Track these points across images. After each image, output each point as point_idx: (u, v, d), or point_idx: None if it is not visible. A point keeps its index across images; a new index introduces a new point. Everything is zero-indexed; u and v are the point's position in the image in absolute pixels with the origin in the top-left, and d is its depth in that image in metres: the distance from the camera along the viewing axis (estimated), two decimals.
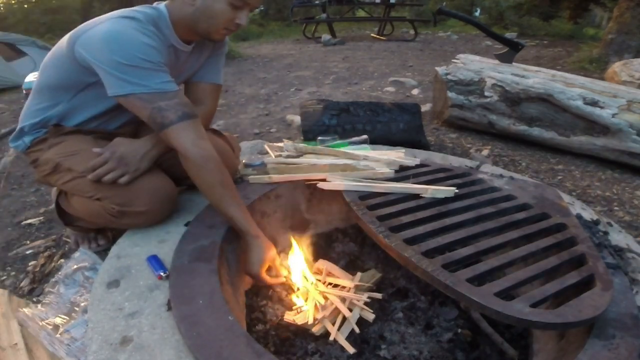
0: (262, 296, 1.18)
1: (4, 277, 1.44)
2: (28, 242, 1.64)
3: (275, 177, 1.29)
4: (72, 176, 1.11)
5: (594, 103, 2.22)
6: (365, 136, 1.78)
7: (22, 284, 1.39)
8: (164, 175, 1.14)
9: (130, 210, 1.05)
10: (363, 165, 1.28)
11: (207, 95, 1.32)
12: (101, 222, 1.15)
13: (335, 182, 1.18)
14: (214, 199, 1.03)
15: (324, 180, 1.23)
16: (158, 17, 1.07)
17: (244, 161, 1.44)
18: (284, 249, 1.34)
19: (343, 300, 1.07)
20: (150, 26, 1.03)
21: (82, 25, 1.05)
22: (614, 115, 2.14)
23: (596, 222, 1.18)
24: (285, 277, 1.11)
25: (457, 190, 1.12)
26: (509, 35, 6.92)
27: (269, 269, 1.06)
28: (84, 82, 1.09)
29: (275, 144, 1.82)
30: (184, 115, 1.00)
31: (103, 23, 1.00)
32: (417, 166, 1.34)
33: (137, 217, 1.07)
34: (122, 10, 1.05)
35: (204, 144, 1.02)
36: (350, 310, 1.07)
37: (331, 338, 0.98)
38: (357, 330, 1.01)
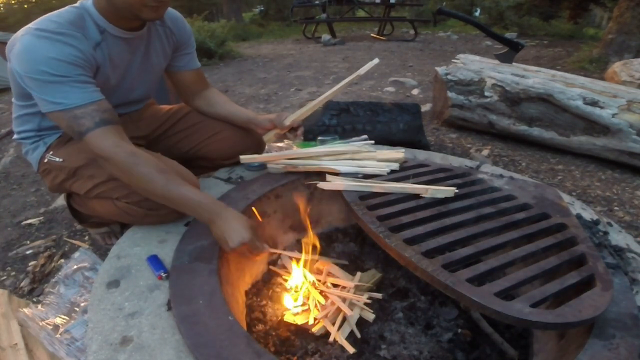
0: (262, 296, 1.18)
1: (4, 277, 1.44)
2: (28, 242, 1.64)
3: (291, 168, 1.32)
4: (94, 183, 1.13)
5: (594, 103, 2.22)
6: (365, 136, 1.77)
7: (22, 284, 1.39)
8: (188, 171, 1.15)
9: (158, 213, 1.08)
10: (366, 150, 1.31)
11: (200, 79, 1.40)
12: (124, 221, 1.17)
13: (336, 182, 1.17)
14: (159, 187, 0.97)
15: (336, 173, 1.24)
16: (80, 14, 1.02)
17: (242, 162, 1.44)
18: (285, 249, 1.35)
19: (343, 300, 1.07)
20: (64, 30, 0.96)
21: (13, 36, 1.00)
22: (614, 115, 2.14)
23: (596, 222, 1.18)
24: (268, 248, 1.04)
25: (457, 190, 1.12)
26: (509, 35, 6.93)
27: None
28: None
29: (275, 144, 1.82)
30: (101, 122, 0.97)
31: (22, 37, 0.95)
32: (417, 166, 1.34)
33: (162, 216, 1.09)
34: (42, 17, 0.99)
35: (126, 145, 0.98)
36: (351, 310, 1.07)
37: (331, 338, 0.98)
38: (358, 334, 1.01)
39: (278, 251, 1.13)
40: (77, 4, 1.05)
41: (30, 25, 0.98)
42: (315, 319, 1.04)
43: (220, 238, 0.96)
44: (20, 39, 0.95)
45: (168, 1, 1.03)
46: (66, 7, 1.02)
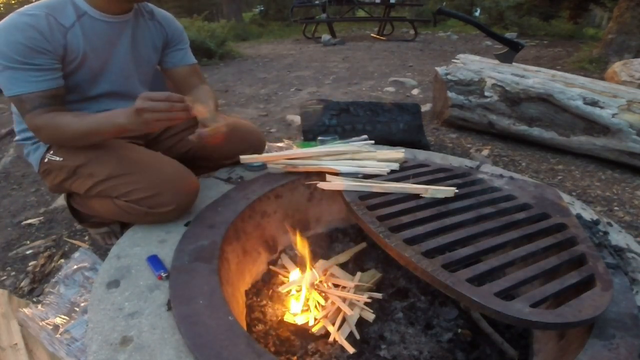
0: (262, 296, 1.18)
1: (4, 277, 1.44)
2: (28, 242, 1.64)
3: (291, 168, 1.32)
4: (94, 181, 1.13)
5: (594, 103, 2.22)
6: (365, 136, 1.77)
7: (22, 284, 1.39)
8: (186, 169, 1.16)
9: (158, 211, 1.08)
10: (366, 150, 1.30)
11: (195, 74, 1.40)
12: (124, 220, 1.17)
13: (336, 182, 1.18)
14: (80, 126, 1.04)
15: (336, 173, 1.24)
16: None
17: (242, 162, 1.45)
18: (285, 249, 1.35)
19: (343, 300, 1.07)
20: (37, 12, 1.01)
21: None
22: (614, 115, 2.14)
23: (596, 222, 1.18)
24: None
25: (457, 191, 1.12)
26: (509, 35, 6.93)
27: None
28: None
29: (275, 144, 1.82)
30: (40, 105, 1.04)
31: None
32: (417, 166, 1.34)
33: (163, 215, 1.09)
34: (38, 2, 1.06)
35: (45, 117, 1.05)
36: (351, 310, 1.07)
37: (331, 338, 0.98)
38: (357, 335, 1.01)
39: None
40: None
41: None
42: (315, 319, 1.04)
43: (134, 123, 0.96)
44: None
45: None
46: None
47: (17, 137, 1.25)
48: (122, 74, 1.23)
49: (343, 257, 1.29)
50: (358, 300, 1.07)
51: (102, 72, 1.17)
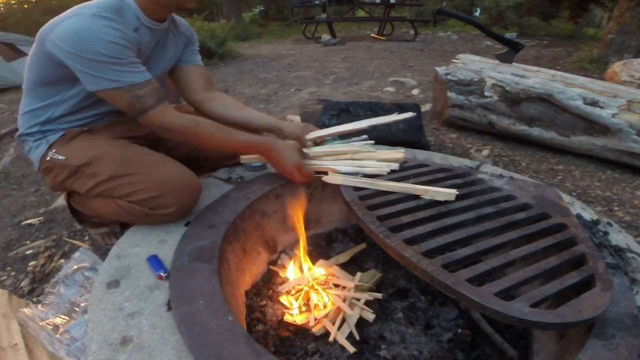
0: (262, 296, 1.18)
1: (4, 277, 1.45)
2: (28, 242, 1.64)
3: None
4: (95, 181, 1.13)
5: (594, 103, 2.22)
6: (365, 136, 1.77)
7: (22, 284, 1.39)
8: (189, 171, 1.16)
9: (160, 212, 1.08)
10: (366, 150, 1.32)
11: (201, 76, 1.43)
12: (125, 220, 1.17)
13: (339, 177, 1.18)
14: (223, 141, 1.16)
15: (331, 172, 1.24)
16: (119, 3, 1.08)
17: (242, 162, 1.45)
18: (285, 249, 1.35)
19: (343, 300, 1.07)
20: (111, 15, 1.04)
21: (51, 21, 1.06)
22: (614, 115, 2.14)
23: (596, 222, 1.18)
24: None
25: (457, 192, 1.11)
26: (509, 35, 6.93)
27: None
28: (67, 77, 1.10)
29: None
30: (159, 99, 1.09)
31: (68, 19, 1.02)
32: (417, 166, 1.34)
33: (165, 216, 1.09)
34: (86, 3, 1.06)
35: (184, 115, 1.13)
36: (351, 310, 1.07)
37: (331, 338, 0.98)
38: (357, 336, 1.01)
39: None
40: None
41: (73, 9, 1.04)
42: (315, 318, 1.04)
43: (278, 165, 1.20)
44: (68, 20, 1.01)
45: None
46: None
47: (19, 132, 1.24)
48: None
49: (343, 258, 1.29)
50: (358, 300, 1.07)
51: None
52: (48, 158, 1.19)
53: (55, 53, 1.02)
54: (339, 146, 1.36)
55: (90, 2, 1.06)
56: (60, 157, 1.16)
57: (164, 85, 1.41)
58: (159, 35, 1.22)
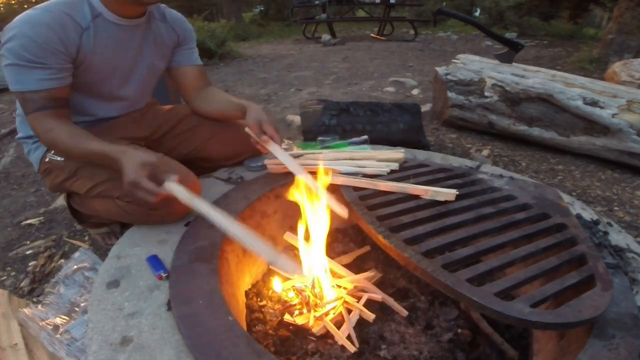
0: (262, 296, 1.18)
1: (4, 277, 1.45)
2: (28, 242, 1.64)
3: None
4: (94, 182, 1.13)
5: (594, 103, 2.22)
6: (365, 136, 1.78)
7: (22, 284, 1.39)
8: (189, 171, 1.16)
9: (160, 212, 1.07)
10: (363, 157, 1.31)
11: (202, 75, 1.40)
12: (125, 221, 1.17)
13: (340, 177, 1.18)
14: (74, 149, 1.05)
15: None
16: None
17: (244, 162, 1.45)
18: (285, 249, 1.35)
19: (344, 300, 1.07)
20: (56, 10, 1.01)
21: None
22: (614, 115, 2.14)
23: (596, 222, 1.18)
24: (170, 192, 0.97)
25: (457, 192, 1.11)
26: (509, 35, 6.94)
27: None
28: None
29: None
30: (42, 107, 1.03)
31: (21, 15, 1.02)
32: (417, 166, 1.34)
33: (163, 216, 1.09)
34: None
35: (49, 123, 1.04)
36: (350, 310, 1.07)
37: (340, 334, 0.98)
38: (354, 337, 1.00)
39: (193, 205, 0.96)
40: None
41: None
42: (315, 318, 1.04)
43: (122, 173, 0.96)
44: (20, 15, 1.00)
45: None
46: None
47: (18, 135, 1.25)
48: (125, 78, 1.23)
49: (346, 259, 1.29)
50: (357, 301, 1.07)
51: (106, 75, 1.16)
52: (47, 159, 1.19)
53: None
54: (345, 152, 1.36)
55: None
56: (58, 159, 1.16)
57: (162, 86, 1.41)
58: (132, 33, 1.16)
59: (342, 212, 1.05)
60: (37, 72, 1.00)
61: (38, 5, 1.01)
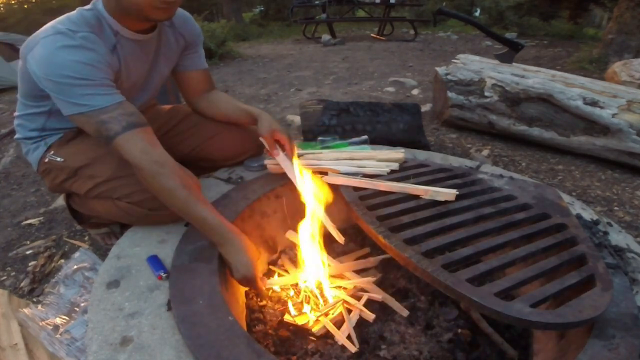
0: (262, 296, 1.18)
1: (4, 277, 1.45)
2: (28, 242, 1.64)
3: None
4: (94, 183, 1.13)
5: (594, 103, 2.22)
6: (365, 136, 1.77)
7: (22, 284, 1.39)
8: (189, 172, 1.14)
9: (159, 213, 1.07)
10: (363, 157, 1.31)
11: (207, 79, 1.38)
12: (125, 221, 1.17)
13: (340, 177, 1.18)
14: (180, 203, 0.97)
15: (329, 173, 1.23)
16: (97, 17, 1.02)
17: (244, 162, 1.45)
18: (285, 249, 1.35)
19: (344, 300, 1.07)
20: (86, 33, 0.97)
21: (30, 37, 1.00)
22: (614, 115, 2.14)
23: (596, 222, 1.18)
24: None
25: (457, 192, 1.11)
26: (509, 35, 6.93)
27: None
28: None
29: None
30: (129, 125, 0.96)
31: (42, 40, 0.95)
32: (417, 166, 1.34)
33: (164, 217, 1.09)
34: (59, 19, 0.99)
35: (154, 150, 0.98)
36: (350, 310, 1.07)
37: (340, 334, 0.98)
38: (354, 337, 1.00)
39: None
40: (90, 6, 1.03)
41: (50, 24, 0.98)
42: (315, 316, 1.04)
43: (227, 263, 0.97)
44: (41, 41, 0.94)
45: (179, 1, 1.01)
46: (81, 9, 1.01)
47: (17, 135, 1.25)
48: (139, 89, 1.23)
49: (346, 260, 1.29)
50: (358, 301, 1.07)
51: (125, 90, 1.13)
52: (47, 160, 1.19)
53: (32, 75, 0.97)
54: (336, 151, 1.36)
55: (69, 15, 1.00)
56: (58, 159, 1.16)
57: (162, 86, 1.40)
58: (148, 47, 1.15)
59: (339, 238, 1.05)
60: (100, 89, 0.96)
61: (57, 28, 0.95)
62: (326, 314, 1.04)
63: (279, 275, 1.23)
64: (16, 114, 1.21)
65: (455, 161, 1.55)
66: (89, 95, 0.94)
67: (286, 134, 1.26)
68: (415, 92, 3.85)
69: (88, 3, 1.05)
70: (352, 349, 0.95)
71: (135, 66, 1.13)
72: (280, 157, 1.25)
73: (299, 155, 1.35)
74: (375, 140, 1.86)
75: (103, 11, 1.02)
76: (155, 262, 0.94)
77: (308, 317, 1.04)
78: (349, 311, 1.07)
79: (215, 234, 0.96)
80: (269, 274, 1.27)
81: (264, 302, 1.14)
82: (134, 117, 0.98)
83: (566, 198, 1.29)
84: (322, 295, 1.10)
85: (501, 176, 1.32)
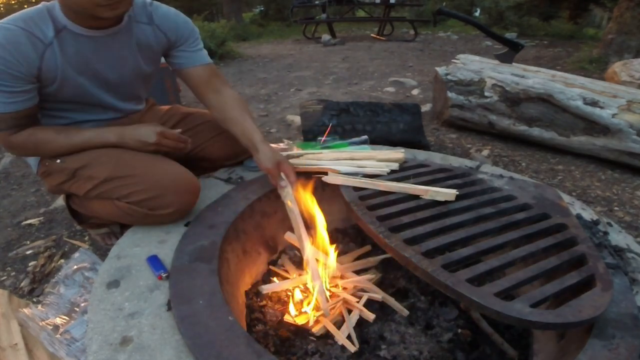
0: (262, 296, 1.18)
1: (4, 277, 1.45)
2: (28, 242, 1.64)
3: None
4: (93, 183, 1.12)
5: (594, 103, 2.22)
6: (365, 136, 1.77)
7: (22, 284, 1.39)
8: (188, 171, 1.15)
9: (159, 213, 1.07)
10: (363, 157, 1.30)
11: (211, 75, 1.31)
12: (124, 222, 1.17)
13: (339, 177, 1.18)
14: (62, 141, 1.11)
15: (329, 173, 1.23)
16: (42, 12, 1.01)
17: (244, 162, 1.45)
18: (285, 249, 1.35)
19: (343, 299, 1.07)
20: (17, 29, 0.96)
21: None
22: (614, 116, 2.15)
23: (596, 222, 1.18)
24: None
25: (457, 192, 1.11)
26: (509, 35, 6.93)
27: None
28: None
29: (275, 144, 1.82)
30: (13, 126, 1.06)
31: None
32: (417, 166, 1.34)
33: (164, 217, 1.09)
34: (16, 13, 1.01)
35: (23, 131, 1.09)
36: (350, 310, 1.07)
37: (340, 334, 0.98)
38: (355, 342, 1.00)
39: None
40: (48, 2, 1.04)
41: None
42: (315, 316, 1.04)
43: (137, 143, 1.13)
44: None
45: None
46: (38, 6, 1.03)
47: None
48: (110, 87, 1.19)
49: (346, 259, 1.29)
50: (358, 301, 1.07)
51: (89, 87, 1.13)
52: (46, 162, 1.19)
53: None
54: (345, 152, 1.36)
55: (21, 11, 1.01)
56: (57, 161, 1.16)
57: (162, 86, 1.40)
58: (104, 43, 1.10)
59: (325, 306, 1.03)
60: (4, 96, 1.00)
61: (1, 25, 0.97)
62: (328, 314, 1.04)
63: (278, 278, 1.23)
64: None
65: (455, 161, 1.55)
66: None
67: (289, 164, 1.20)
68: (415, 92, 3.85)
69: None
70: (352, 349, 0.95)
71: (90, 62, 1.09)
72: (287, 198, 1.16)
73: (299, 156, 1.35)
74: (375, 141, 1.86)
75: (56, 5, 1.02)
76: (155, 262, 0.94)
77: (308, 317, 1.04)
78: (349, 311, 1.08)
79: (110, 134, 1.14)
80: (269, 274, 1.27)
81: (263, 302, 1.14)
82: (22, 121, 1.07)
83: (566, 198, 1.29)
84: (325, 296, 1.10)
85: (501, 176, 1.32)
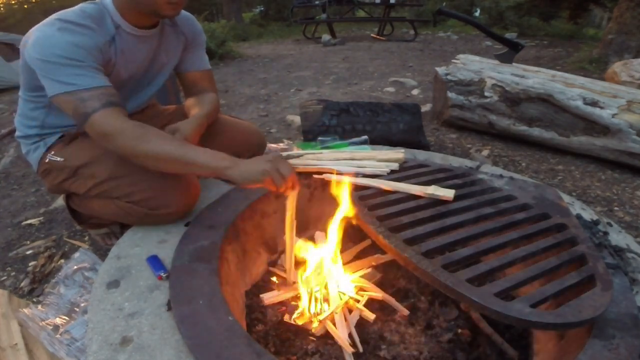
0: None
1: (4, 278, 1.45)
2: (28, 242, 1.64)
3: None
4: (94, 182, 1.13)
5: (594, 103, 2.22)
6: (365, 136, 1.78)
7: (22, 284, 1.39)
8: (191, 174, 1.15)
9: (159, 213, 1.07)
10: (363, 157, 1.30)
11: (204, 80, 1.36)
12: (124, 221, 1.17)
13: (341, 177, 1.18)
14: (173, 150, 0.96)
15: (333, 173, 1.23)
16: (100, 10, 1.05)
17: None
18: (285, 249, 1.35)
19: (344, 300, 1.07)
20: (85, 22, 0.99)
21: (32, 28, 1.02)
22: (614, 116, 2.14)
23: (596, 222, 1.18)
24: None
25: (456, 192, 1.11)
26: (509, 35, 6.93)
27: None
28: None
29: (275, 144, 1.82)
30: (108, 103, 0.97)
31: (38, 28, 0.99)
32: (417, 166, 1.34)
33: (164, 217, 1.09)
34: (60, 12, 1.02)
35: (132, 122, 0.99)
36: (350, 310, 1.07)
37: (340, 334, 0.98)
38: (356, 337, 1.00)
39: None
40: (97, 0, 1.07)
41: (51, 16, 1.00)
42: (315, 316, 1.04)
43: (243, 179, 0.94)
44: (40, 27, 0.98)
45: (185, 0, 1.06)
46: (83, 4, 1.05)
47: (17, 133, 1.25)
48: (137, 86, 1.24)
49: (346, 257, 1.29)
50: (358, 301, 1.07)
51: (122, 84, 1.16)
52: (47, 160, 1.19)
53: (28, 61, 0.99)
54: (345, 152, 1.36)
55: (72, 8, 1.03)
56: (58, 159, 1.16)
57: (162, 86, 1.40)
58: (148, 43, 1.17)
59: (291, 277, 1.07)
60: (89, 70, 0.98)
61: (59, 16, 0.98)
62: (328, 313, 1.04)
63: (278, 278, 1.23)
64: (17, 112, 1.21)
65: (455, 161, 1.55)
66: (76, 76, 0.96)
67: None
68: (415, 92, 3.85)
69: None
70: (350, 349, 0.95)
71: (133, 59, 1.14)
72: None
73: (299, 156, 1.35)
74: (375, 141, 1.86)
75: (108, 5, 1.06)
76: (155, 262, 0.94)
77: (308, 318, 1.04)
78: (350, 311, 1.08)
79: (219, 159, 0.96)
80: (269, 274, 1.27)
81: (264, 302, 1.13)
82: (114, 98, 1.00)
83: (566, 198, 1.29)
84: (327, 296, 1.10)
85: (501, 176, 1.32)
